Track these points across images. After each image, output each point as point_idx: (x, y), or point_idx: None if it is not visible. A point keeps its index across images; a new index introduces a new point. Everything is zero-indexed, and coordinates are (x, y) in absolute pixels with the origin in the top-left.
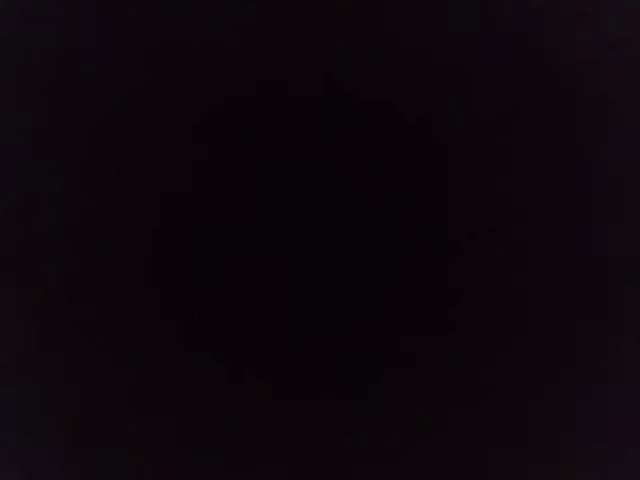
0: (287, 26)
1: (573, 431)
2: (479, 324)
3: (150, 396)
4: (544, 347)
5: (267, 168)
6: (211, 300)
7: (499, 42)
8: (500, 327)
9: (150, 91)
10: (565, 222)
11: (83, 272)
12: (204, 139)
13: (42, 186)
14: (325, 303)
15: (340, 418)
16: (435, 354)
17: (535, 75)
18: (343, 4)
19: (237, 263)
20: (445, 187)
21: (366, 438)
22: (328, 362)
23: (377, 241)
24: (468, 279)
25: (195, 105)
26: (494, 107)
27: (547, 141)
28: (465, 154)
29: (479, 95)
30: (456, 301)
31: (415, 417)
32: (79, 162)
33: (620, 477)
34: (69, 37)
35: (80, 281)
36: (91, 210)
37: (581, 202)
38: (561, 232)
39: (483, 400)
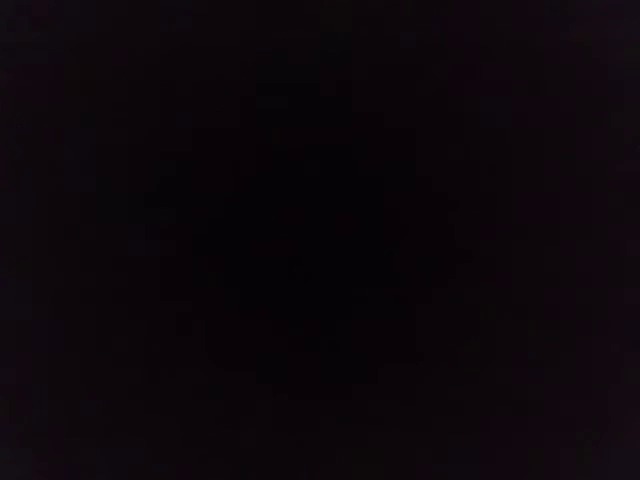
0: (286, 24)
1: (573, 431)
2: (479, 323)
3: (150, 396)
4: (544, 347)
5: (267, 168)
6: (210, 299)
7: (499, 41)
8: (499, 325)
9: (150, 91)
10: (565, 222)
11: (83, 273)
12: (204, 139)
13: (42, 186)
14: (324, 302)
15: (340, 417)
16: (435, 354)
17: (535, 75)
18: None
19: (236, 261)
20: (445, 187)
21: (366, 437)
22: (328, 360)
23: (376, 242)
24: (468, 279)
25: (195, 105)
26: (494, 106)
27: (547, 141)
28: (465, 154)
29: (478, 94)
30: (456, 300)
31: (415, 416)
32: (79, 162)
33: (620, 477)
34: (69, 37)
35: (80, 282)
36: (91, 210)
37: (581, 202)
38: (561, 232)
39: (482, 400)
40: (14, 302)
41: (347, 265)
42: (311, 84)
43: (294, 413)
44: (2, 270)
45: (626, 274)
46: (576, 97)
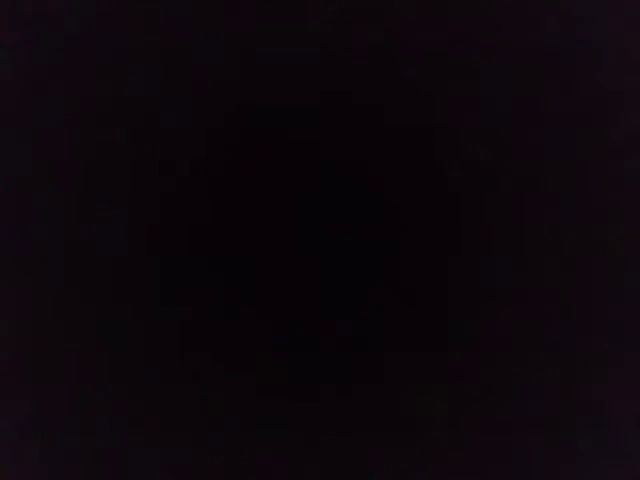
0: (285, 27)
1: (573, 431)
2: (478, 325)
3: (148, 397)
4: (544, 348)
5: (267, 170)
6: (209, 300)
7: (499, 41)
8: (499, 327)
9: (150, 93)
10: (565, 222)
11: (82, 272)
12: (203, 141)
13: (42, 187)
14: (324, 303)
15: (339, 417)
16: (435, 355)
17: (534, 74)
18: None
19: (235, 263)
20: (445, 189)
21: (366, 438)
22: (329, 360)
23: (375, 245)
24: (467, 281)
25: (195, 108)
26: (494, 107)
27: (547, 141)
28: (464, 154)
29: (478, 94)
30: (456, 304)
31: (415, 417)
32: (80, 162)
33: (620, 477)
34: (68, 38)
35: (78, 281)
36: (91, 210)
37: (581, 202)
38: (561, 232)
39: (483, 401)
40: (14, 304)
41: (347, 264)
42: (310, 84)
43: (294, 414)
44: (2, 271)
45: (626, 275)
46: (577, 97)
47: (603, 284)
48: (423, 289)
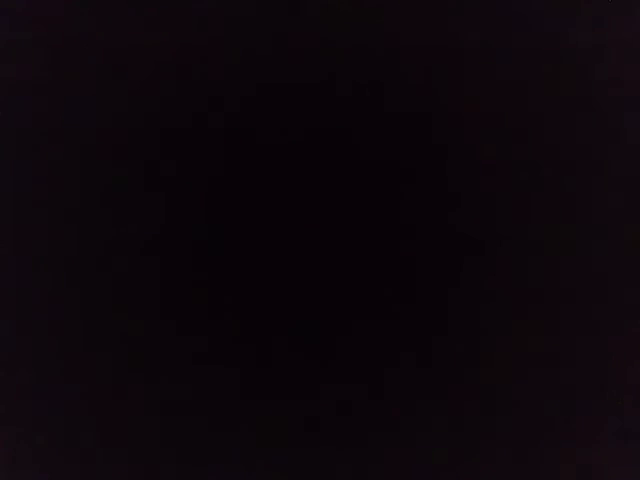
0: (285, 24)
1: (573, 431)
2: (479, 326)
3: (149, 397)
4: (544, 348)
5: (267, 168)
6: (209, 301)
7: (499, 40)
8: (499, 327)
9: (150, 91)
10: (565, 222)
11: (81, 271)
12: (203, 138)
13: (41, 186)
14: (325, 303)
15: (341, 420)
16: (435, 357)
17: (535, 74)
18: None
19: (236, 262)
20: (445, 188)
21: (368, 440)
22: (331, 363)
23: (376, 243)
24: (467, 281)
25: (195, 104)
26: (494, 106)
27: (547, 141)
28: (465, 154)
29: (479, 94)
30: (456, 303)
31: (415, 418)
32: (79, 162)
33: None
34: (67, 37)
35: (78, 279)
36: (90, 209)
37: (581, 202)
38: (561, 232)
39: (483, 402)
40: (15, 309)
41: (348, 266)
42: (310, 84)
43: (294, 414)
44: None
45: (626, 275)
46: (576, 98)
47: (603, 284)
48: (422, 288)
